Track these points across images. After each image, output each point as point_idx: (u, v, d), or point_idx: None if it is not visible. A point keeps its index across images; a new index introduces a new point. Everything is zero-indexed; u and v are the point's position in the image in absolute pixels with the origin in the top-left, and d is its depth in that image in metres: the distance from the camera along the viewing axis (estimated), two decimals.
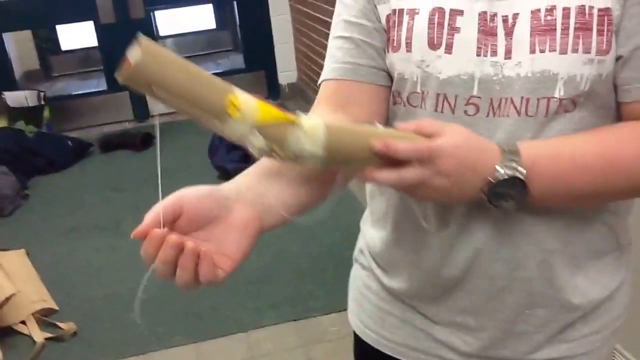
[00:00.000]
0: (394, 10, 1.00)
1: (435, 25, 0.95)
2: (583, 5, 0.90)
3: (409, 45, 0.98)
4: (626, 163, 0.90)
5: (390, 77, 1.04)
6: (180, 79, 0.75)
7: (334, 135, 0.82)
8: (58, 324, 3.08)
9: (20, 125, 5.28)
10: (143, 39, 0.73)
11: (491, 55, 0.93)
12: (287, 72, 6.28)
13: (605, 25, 0.90)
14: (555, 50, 0.90)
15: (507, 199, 0.88)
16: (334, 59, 1.06)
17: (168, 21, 6.99)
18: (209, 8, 7.15)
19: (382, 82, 1.04)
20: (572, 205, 0.98)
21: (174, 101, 0.75)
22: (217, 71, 6.47)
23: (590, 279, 1.05)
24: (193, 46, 7.13)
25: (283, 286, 3.27)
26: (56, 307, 3.21)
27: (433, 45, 0.96)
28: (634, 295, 1.15)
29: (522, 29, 0.92)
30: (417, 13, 0.97)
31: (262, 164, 0.93)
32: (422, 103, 0.99)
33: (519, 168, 0.86)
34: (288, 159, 0.82)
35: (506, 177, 0.86)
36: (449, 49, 0.95)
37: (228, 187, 0.88)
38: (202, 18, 7.23)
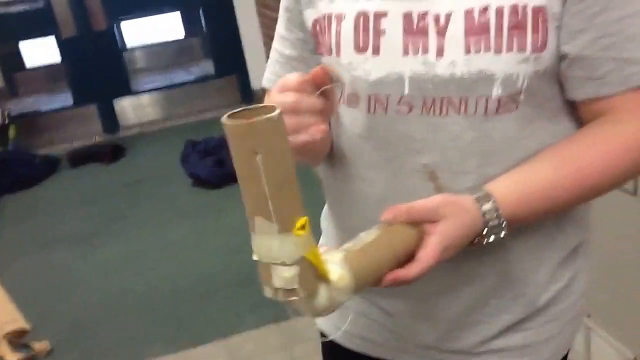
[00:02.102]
0: (323, 15, 1.02)
1: (361, 29, 0.97)
2: (516, 5, 0.90)
3: (337, 49, 1.00)
4: (593, 177, 0.93)
5: None
6: (285, 164, 0.73)
7: (359, 277, 0.82)
8: (31, 343, 2.99)
9: None
10: (279, 114, 0.72)
11: (422, 54, 0.93)
12: (259, 76, 6.17)
13: (540, 22, 0.90)
14: (490, 50, 0.90)
15: (490, 237, 0.92)
16: (269, 69, 1.15)
17: (135, 32, 6.93)
18: (176, 16, 7.12)
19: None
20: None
21: (263, 179, 0.72)
22: (189, 78, 6.45)
23: (546, 271, 1.06)
24: (163, 56, 7.07)
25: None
26: (28, 328, 3.10)
27: (359, 48, 0.97)
28: (613, 277, 1.17)
29: (456, 29, 0.91)
30: (344, 18, 0.98)
31: None
32: (356, 104, 1.01)
33: (503, 224, 0.91)
34: (310, 310, 0.81)
35: (494, 224, 0.91)
36: (375, 51, 0.96)
37: None
38: (170, 27, 7.19)
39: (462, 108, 0.93)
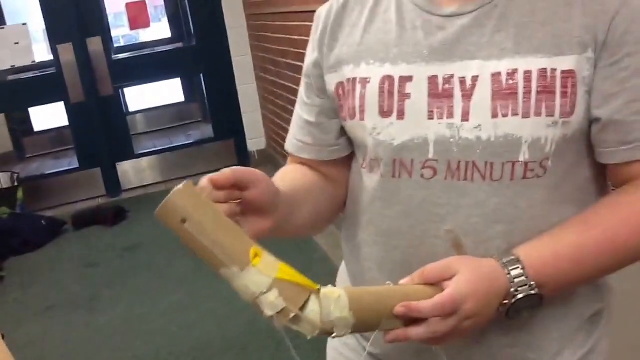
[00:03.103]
0: (348, 80, 1.03)
1: (386, 93, 0.97)
2: (545, 69, 0.89)
3: (362, 113, 1.00)
4: (624, 244, 0.91)
5: (349, 144, 1.11)
6: (213, 218, 0.81)
7: (356, 300, 0.83)
8: None
9: None
10: (186, 183, 0.81)
11: (447, 118, 0.93)
12: (255, 139, 6.42)
13: (570, 87, 0.89)
14: (518, 114, 0.89)
15: (526, 311, 0.90)
16: (291, 132, 1.17)
17: (137, 97, 7.13)
18: (177, 82, 7.30)
19: (324, 157, 1.13)
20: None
21: (200, 240, 0.79)
22: (188, 142, 6.61)
23: (560, 337, 1.03)
24: (163, 119, 7.25)
25: (259, 355, 3.24)
26: None
27: (384, 113, 0.97)
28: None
29: (483, 92, 0.91)
30: (369, 82, 0.99)
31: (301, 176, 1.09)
32: (378, 169, 1.01)
33: (531, 284, 0.88)
34: (309, 325, 0.81)
35: (523, 294, 0.88)
36: (400, 115, 0.96)
37: (282, 195, 0.97)
38: (171, 92, 7.38)
39: (488, 173, 0.92)
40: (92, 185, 6.13)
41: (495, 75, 0.91)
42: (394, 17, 1.01)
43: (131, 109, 7.04)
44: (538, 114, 0.89)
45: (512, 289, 0.88)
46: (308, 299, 0.81)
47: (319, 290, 0.82)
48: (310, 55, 1.12)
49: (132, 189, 6.13)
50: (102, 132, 5.99)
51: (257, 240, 0.84)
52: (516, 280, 0.88)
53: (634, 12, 0.89)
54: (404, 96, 0.96)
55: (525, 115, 0.89)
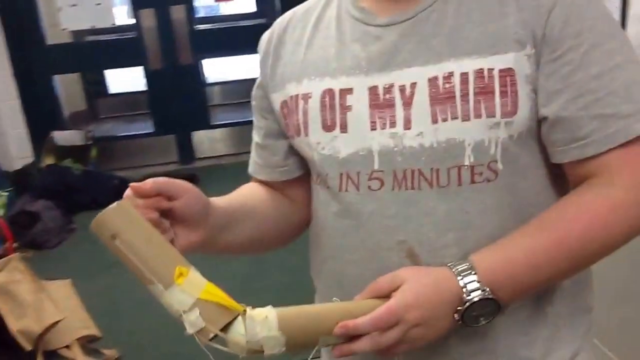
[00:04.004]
0: (291, 97, 1.01)
1: (328, 107, 0.96)
2: (481, 69, 0.87)
3: (306, 129, 0.99)
4: (577, 243, 0.87)
5: (301, 164, 1.10)
6: (143, 236, 0.83)
7: (287, 319, 0.83)
8: (101, 350, 3.08)
9: (67, 163, 5.34)
10: (124, 201, 0.87)
11: (390, 127, 0.91)
12: None
13: (509, 85, 0.87)
14: (457, 118, 0.87)
15: (483, 317, 0.87)
16: (252, 154, 1.18)
17: (215, 69, 7.10)
18: (254, 58, 7.22)
19: (276, 178, 1.13)
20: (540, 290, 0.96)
21: (129, 256, 0.82)
22: None
23: (539, 347, 0.98)
24: (238, 93, 7.23)
25: None
26: (99, 335, 3.20)
27: (327, 127, 0.96)
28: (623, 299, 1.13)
29: (421, 98, 0.89)
30: (310, 97, 0.98)
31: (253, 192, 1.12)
32: (326, 184, 0.99)
33: (485, 289, 0.85)
34: (234, 345, 0.82)
35: (475, 300, 0.85)
36: (343, 128, 0.94)
37: (215, 208, 0.99)
38: (249, 67, 7.34)
39: (434, 180, 0.89)
40: (166, 151, 6.10)
41: (432, 80, 0.89)
42: (334, 32, 1.00)
43: (209, 80, 7.00)
44: (478, 115, 0.87)
45: (465, 295, 0.85)
46: (233, 320, 0.82)
47: (244, 311, 0.83)
48: (258, 78, 1.14)
49: (204, 158, 6.07)
50: (180, 100, 5.94)
51: (187, 254, 0.87)
52: (468, 285, 0.85)
53: (571, 5, 0.87)
54: (346, 109, 0.94)
55: (465, 118, 0.87)
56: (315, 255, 1.10)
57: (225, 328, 0.81)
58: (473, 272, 0.85)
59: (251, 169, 1.18)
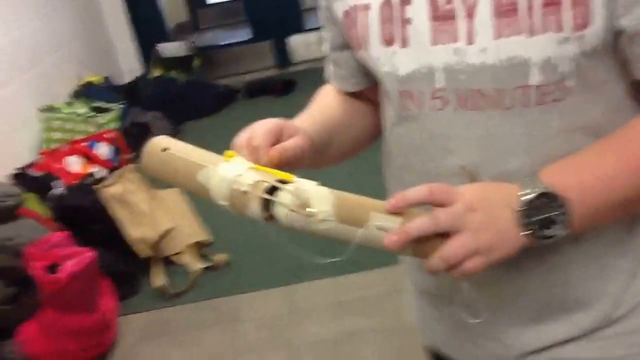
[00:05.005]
0: (351, 7, 0.92)
1: (387, 19, 0.87)
2: None
3: (365, 43, 0.91)
4: None
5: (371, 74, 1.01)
6: (191, 146, 0.89)
7: (337, 191, 0.80)
8: (212, 255, 3.29)
9: (173, 74, 5.58)
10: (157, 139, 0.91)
11: (452, 42, 0.82)
12: None
13: None
14: (521, 34, 0.78)
15: (549, 224, 0.78)
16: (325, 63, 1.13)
17: None
18: None
19: (349, 88, 1.08)
20: (610, 220, 0.88)
21: (181, 156, 0.87)
22: None
23: (619, 280, 0.92)
24: None
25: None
26: (210, 240, 3.42)
27: (386, 41, 0.88)
28: None
29: (484, 10, 0.79)
30: (370, 8, 0.89)
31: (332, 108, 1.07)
32: (389, 102, 0.94)
33: (543, 183, 0.78)
34: (286, 196, 0.79)
35: (534, 194, 0.77)
36: (403, 42, 0.86)
37: (311, 133, 0.96)
38: None
39: (499, 101, 0.82)
40: (263, 57, 6.26)
41: None
42: None
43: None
44: (545, 30, 0.77)
45: (520, 189, 0.78)
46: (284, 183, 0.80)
47: (294, 180, 0.81)
48: None
49: (300, 62, 6.19)
50: (275, 5, 6.05)
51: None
52: (526, 181, 0.78)
53: None
54: (405, 21, 0.85)
55: (530, 34, 0.77)
56: (385, 170, 1.06)
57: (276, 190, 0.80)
58: (534, 176, 0.79)
59: (327, 76, 1.13)
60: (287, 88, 5.53)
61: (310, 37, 6.26)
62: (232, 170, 0.82)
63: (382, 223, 0.77)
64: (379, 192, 0.92)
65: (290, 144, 0.88)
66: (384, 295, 2.82)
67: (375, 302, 2.82)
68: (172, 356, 2.80)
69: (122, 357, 2.82)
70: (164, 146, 0.88)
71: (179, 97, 5.32)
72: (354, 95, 1.09)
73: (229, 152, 0.85)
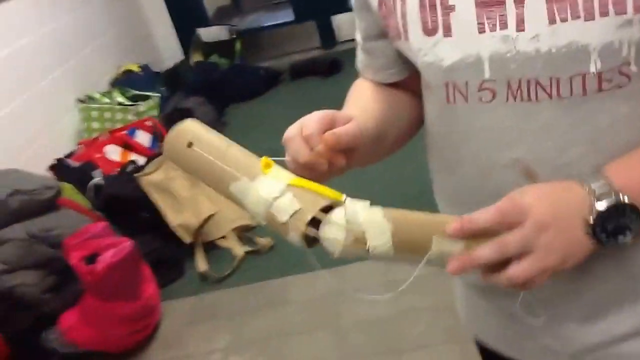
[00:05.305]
0: None
1: (428, 6, 0.82)
2: None
3: (405, 33, 0.86)
4: None
5: (409, 64, 0.96)
6: (220, 139, 0.80)
7: (393, 211, 0.74)
8: (256, 239, 3.25)
9: (214, 58, 5.52)
10: (193, 119, 0.82)
11: (500, 29, 0.77)
12: None
13: None
14: (579, 17, 0.73)
15: (622, 230, 0.74)
16: (357, 53, 1.07)
17: None
18: None
19: (385, 79, 1.03)
20: None
21: (209, 157, 0.78)
22: None
23: None
24: None
25: None
26: (253, 224, 3.37)
27: (428, 30, 0.83)
28: None
29: None
30: None
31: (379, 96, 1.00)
32: (432, 94, 0.90)
33: (614, 186, 0.74)
34: (332, 228, 0.73)
35: (608, 204, 0.73)
36: (446, 31, 0.81)
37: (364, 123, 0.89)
38: None
39: (554, 90, 0.77)
40: (307, 37, 6.15)
41: None
42: None
43: None
44: (605, 13, 0.72)
45: (593, 199, 0.73)
46: (330, 207, 0.73)
47: (344, 201, 0.73)
48: None
49: (345, 41, 6.05)
50: None
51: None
52: (597, 189, 0.74)
53: None
54: (448, 8, 0.80)
55: (589, 17, 0.72)
56: (433, 162, 1.03)
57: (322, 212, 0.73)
58: (602, 178, 0.75)
59: (358, 67, 1.08)
60: (332, 68, 5.39)
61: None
62: (270, 190, 0.74)
63: (444, 249, 0.73)
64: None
65: (347, 127, 0.83)
66: (434, 275, 2.70)
67: (425, 281, 2.70)
68: (217, 340, 2.79)
69: (167, 342, 2.84)
70: (189, 139, 0.79)
71: (221, 81, 5.26)
72: (392, 85, 1.04)
73: (265, 160, 0.77)
